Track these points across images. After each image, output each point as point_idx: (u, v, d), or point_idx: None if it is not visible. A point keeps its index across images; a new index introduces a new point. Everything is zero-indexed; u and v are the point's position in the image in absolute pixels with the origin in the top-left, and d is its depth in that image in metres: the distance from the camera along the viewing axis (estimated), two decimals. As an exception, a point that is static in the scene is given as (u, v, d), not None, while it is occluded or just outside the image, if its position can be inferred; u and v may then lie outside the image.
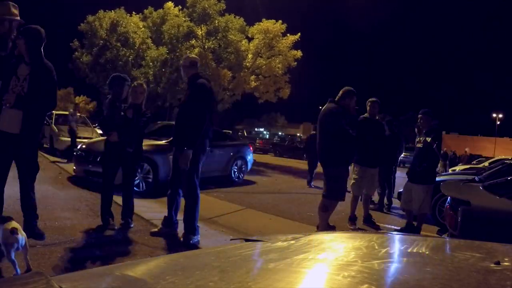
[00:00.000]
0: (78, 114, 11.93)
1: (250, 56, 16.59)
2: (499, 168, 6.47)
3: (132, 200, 4.33)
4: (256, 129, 40.47)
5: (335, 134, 4.15)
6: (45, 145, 12.17)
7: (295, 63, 16.53)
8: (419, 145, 4.92)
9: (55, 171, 8.09)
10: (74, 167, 7.10)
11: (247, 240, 1.08)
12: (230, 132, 30.88)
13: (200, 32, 15.87)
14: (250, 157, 9.61)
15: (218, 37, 15.93)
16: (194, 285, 0.63)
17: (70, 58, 20.23)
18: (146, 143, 5.12)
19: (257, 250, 0.90)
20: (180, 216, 3.96)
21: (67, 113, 14.42)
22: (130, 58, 18.47)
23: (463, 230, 2.87)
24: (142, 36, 18.72)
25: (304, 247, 0.94)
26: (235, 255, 0.87)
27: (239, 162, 9.11)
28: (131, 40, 18.58)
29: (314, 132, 8.62)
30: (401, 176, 6.83)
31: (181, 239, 3.78)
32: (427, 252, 0.88)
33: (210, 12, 15.37)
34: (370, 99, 5.49)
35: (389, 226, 5.72)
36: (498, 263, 0.76)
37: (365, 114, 5.45)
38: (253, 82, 16.39)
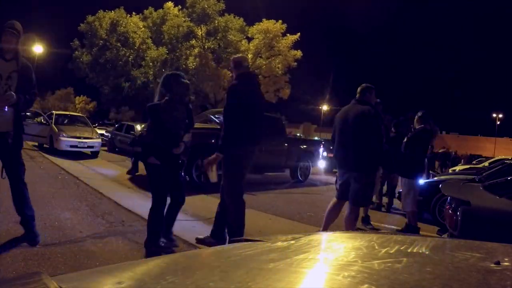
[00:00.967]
0: None
1: (250, 56, 16.61)
2: (499, 168, 6.48)
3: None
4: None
5: (371, 138, 3.82)
6: (45, 145, 12.18)
7: (295, 63, 16.55)
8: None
9: (55, 170, 8.09)
10: None
11: (247, 240, 1.08)
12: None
13: (200, 32, 15.89)
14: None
15: (218, 37, 15.95)
16: (194, 285, 0.63)
17: (70, 58, 20.26)
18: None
19: (257, 250, 0.90)
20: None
21: (67, 113, 14.45)
22: (130, 58, 18.51)
23: (463, 230, 2.86)
24: (142, 36, 18.76)
25: (304, 247, 0.94)
26: (235, 255, 0.87)
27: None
28: (131, 40, 18.62)
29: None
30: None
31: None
32: (427, 252, 0.88)
33: (210, 12, 15.39)
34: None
35: (389, 226, 5.72)
36: (498, 263, 0.76)
37: None
38: (253, 82, 16.38)
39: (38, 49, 19.77)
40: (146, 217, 4.64)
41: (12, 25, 3.14)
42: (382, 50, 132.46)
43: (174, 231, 4.13)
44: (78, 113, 18.01)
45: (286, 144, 9.37)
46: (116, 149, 14.43)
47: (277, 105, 20.53)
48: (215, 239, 3.74)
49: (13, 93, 3.06)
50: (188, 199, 6.22)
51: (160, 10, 18.74)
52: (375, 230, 5.18)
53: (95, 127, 17.71)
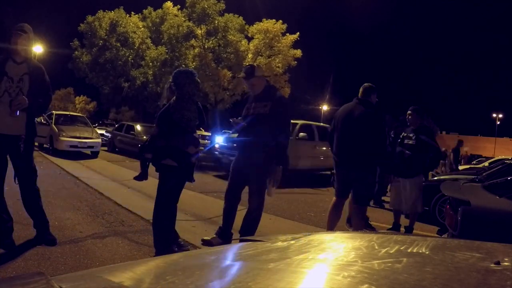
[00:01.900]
0: None
1: (250, 55, 16.60)
2: (499, 168, 6.47)
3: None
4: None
5: (376, 139, 3.76)
6: (45, 145, 12.18)
7: (295, 62, 16.54)
8: (410, 142, 4.97)
9: (55, 170, 8.09)
10: None
11: (247, 240, 1.08)
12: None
13: (200, 32, 15.87)
14: None
15: (217, 37, 15.95)
16: (194, 285, 0.63)
17: (70, 58, 20.27)
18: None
19: (257, 250, 0.90)
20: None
21: (67, 113, 14.46)
22: (129, 58, 18.50)
23: (463, 230, 2.86)
24: (142, 36, 18.76)
25: (304, 247, 0.94)
26: (235, 255, 0.87)
27: None
28: (130, 40, 18.61)
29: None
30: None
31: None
32: (427, 252, 0.88)
33: (210, 12, 15.38)
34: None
35: (380, 224, 5.71)
36: (498, 263, 0.76)
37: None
38: (253, 82, 16.38)
39: (38, 49, 19.80)
40: (146, 217, 4.66)
41: (21, 27, 3.12)
42: (382, 50, 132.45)
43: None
44: (78, 113, 17.99)
45: None
46: (116, 149, 14.44)
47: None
48: (222, 239, 3.73)
49: (24, 97, 3.03)
50: (188, 199, 6.24)
51: (160, 10, 18.74)
52: (373, 229, 5.18)
53: (95, 127, 17.71)
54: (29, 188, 3.24)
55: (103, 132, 18.21)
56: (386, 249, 0.89)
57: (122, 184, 7.24)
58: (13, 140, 3.09)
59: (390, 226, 5.31)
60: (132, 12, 19.71)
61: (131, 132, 14.03)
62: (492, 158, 20.50)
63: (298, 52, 16.28)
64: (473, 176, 6.03)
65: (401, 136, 5.19)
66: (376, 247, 0.92)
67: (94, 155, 11.92)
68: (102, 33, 18.76)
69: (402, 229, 5.12)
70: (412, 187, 4.89)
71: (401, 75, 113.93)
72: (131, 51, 18.58)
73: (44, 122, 12.24)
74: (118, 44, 18.61)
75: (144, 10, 19.95)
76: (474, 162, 21.44)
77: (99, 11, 19.24)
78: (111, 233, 3.90)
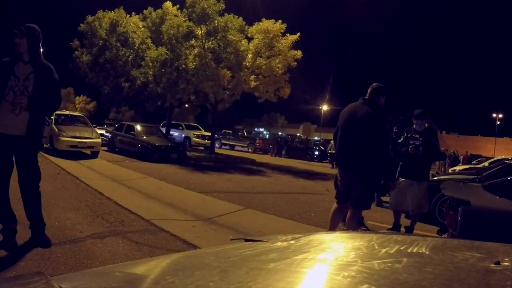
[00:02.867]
0: None
1: (250, 56, 16.59)
2: (499, 168, 6.48)
3: None
4: (256, 129, 40.39)
5: (378, 143, 3.63)
6: (45, 145, 12.18)
7: (295, 63, 16.53)
8: (417, 143, 4.95)
9: (54, 170, 8.09)
10: None
11: (247, 240, 1.08)
12: (230, 132, 30.90)
13: (200, 32, 15.86)
14: None
15: (217, 37, 15.93)
16: (194, 285, 0.63)
17: (70, 58, 20.27)
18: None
19: (257, 250, 0.90)
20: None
21: (67, 113, 14.45)
22: (129, 58, 18.49)
23: (463, 230, 2.86)
24: (142, 36, 18.74)
25: (304, 247, 0.94)
26: (235, 255, 0.87)
27: None
28: (130, 40, 18.60)
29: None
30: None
31: None
32: (427, 252, 0.88)
33: (210, 12, 15.36)
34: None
35: (380, 224, 5.71)
36: (498, 263, 0.76)
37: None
38: (253, 82, 16.39)
39: (38, 49, 19.73)
40: (146, 217, 4.66)
41: (22, 27, 3.14)
42: (382, 50, 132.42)
43: (173, 231, 4.13)
44: (78, 113, 17.98)
45: None
46: (116, 149, 14.44)
47: (277, 105, 20.50)
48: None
49: (25, 96, 3.03)
50: (188, 199, 6.24)
51: (159, 10, 18.72)
52: (368, 229, 5.18)
53: (95, 127, 17.69)
54: (31, 191, 3.21)
55: (103, 132, 18.22)
56: (386, 249, 0.89)
57: (122, 184, 7.24)
58: (17, 141, 3.08)
59: (390, 226, 5.30)
60: (133, 12, 19.73)
61: (131, 132, 14.02)
62: (492, 158, 20.50)
63: (298, 53, 16.26)
64: (473, 176, 6.04)
65: (403, 137, 5.18)
66: (376, 247, 0.92)
67: (94, 155, 11.91)
68: (102, 33, 18.75)
69: (402, 229, 5.12)
70: (420, 187, 4.89)
71: (401, 75, 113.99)
72: (131, 51, 18.57)
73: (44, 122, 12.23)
74: (118, 44, 18.60)
75: (144, 10, 19.96)
76: (474, 162, 21.45)
77: (99, 11, 19.24)
78: (111, 233, 3.90)
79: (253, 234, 4.24)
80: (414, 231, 4.94)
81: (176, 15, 17.63)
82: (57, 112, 13.36)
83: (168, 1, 18.33)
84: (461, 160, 24.83)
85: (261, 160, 17.92)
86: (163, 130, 19.55)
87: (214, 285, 0.61)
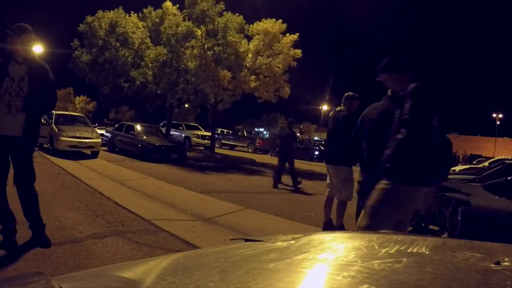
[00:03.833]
0: None
1: (250, 56, 16.59)
2: (499, 168, 6.48)
3: None
4: (256, 129, 40.36)
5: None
6: (45, 145, 12.18)
7: (295, 62, 16.53)
8: None
9: (54, 170, 8.09)
10: None
11: (247, 240, 1.07)
12: (230, 131, 30.83)
13: (200, 33, 15.86)
14: None
15: (217, 38, 15.93)
16: (194, 285, 0.63)
17: (70, 58, 20.25)
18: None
19: (257, 250, 0.90)
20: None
21: (67, 113, 14.45)
22: (129, 58, 18.47)
23: (463, 230, 2.86)
24: (141, 36, 18.73)
25: (304, 247, 0.94)
26: (235, 255, 0.87)
27: None
28: (130, 40, 18.58)
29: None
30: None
31: None
32: (427, 252, 0.88)
33: (209, 13, 15.36)
34: (348, 94, 5.03)
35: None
36: (498, 263, 0.76)
37: (343, 109, 5.00)
38: (253, 82, 16.39)
39: (38, 49, 19.77)
40: (146, 217, 4.65)
41: (14, 27, 3.11)
42: (382, 50, 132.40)
43: (173, 231, 4.13)
44: (78, 113, 17.98)
45: None
46: (116, 149, 14.44)
47: (277, 105, 20.49)
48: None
49: (21, 98, 3.02)
50: (188, 199, 6.24)
51: (159, 10, 18.71)
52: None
53: (95, 127, 17.70)
54: (27, 192, 3.21)
55: (103, 132, 18.22)
56: (386, 249, 0.89)
57: (122, 184, 7.24)
58: (14, 141, 3.07)
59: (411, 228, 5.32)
60: (132, 12, 19.72)
61: (131, 132, 14.03)
62: (492, 158, 20.51)
63: (298, 52, 16.25)
64: (473, 176, 6.04)
65: None
66: (376, 247, 0.92)
67: (94, 155, 11.91)
68: (102, 33, 18.74)
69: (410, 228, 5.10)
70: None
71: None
72: (131, 51, 18.56)
73: (44, 122, 12.24)
74: (118, 44, 18.59)
75: (144, 10, 19.94)
76: (474, 162, 21.45)
77: (98, 11, 19.23)
78: (111, 233, 3.90)
79: (253, 234, 4.25)
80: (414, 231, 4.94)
81: (175, 14, 17.63)
82: (57, 112, 13.37)
83: (168, 1, 18.33)
84: (461, 160, 24.85)
85: (261, 160, 17.91)
86: (163, 130, 19.54)
87: (214, 285, 0.61)
